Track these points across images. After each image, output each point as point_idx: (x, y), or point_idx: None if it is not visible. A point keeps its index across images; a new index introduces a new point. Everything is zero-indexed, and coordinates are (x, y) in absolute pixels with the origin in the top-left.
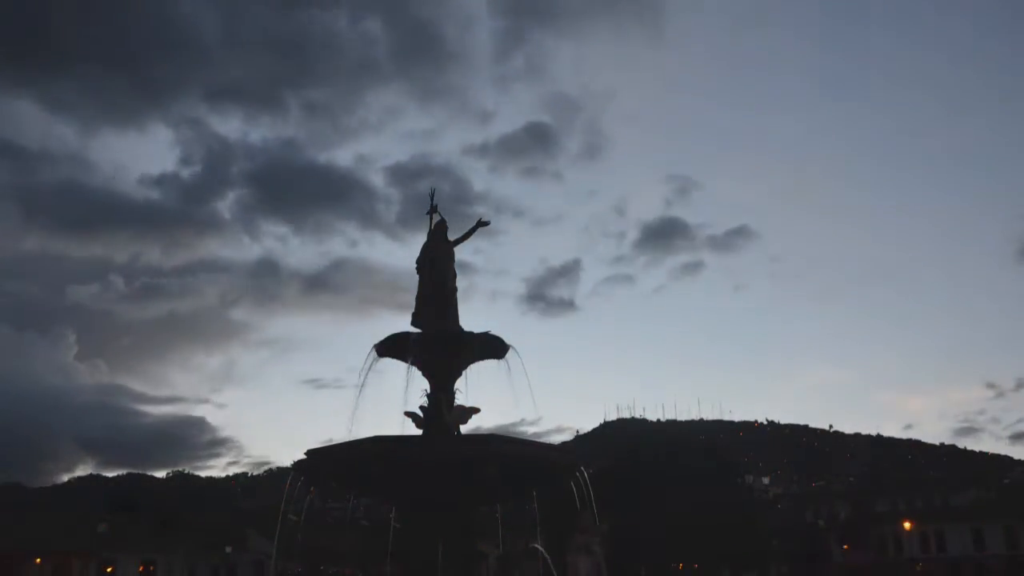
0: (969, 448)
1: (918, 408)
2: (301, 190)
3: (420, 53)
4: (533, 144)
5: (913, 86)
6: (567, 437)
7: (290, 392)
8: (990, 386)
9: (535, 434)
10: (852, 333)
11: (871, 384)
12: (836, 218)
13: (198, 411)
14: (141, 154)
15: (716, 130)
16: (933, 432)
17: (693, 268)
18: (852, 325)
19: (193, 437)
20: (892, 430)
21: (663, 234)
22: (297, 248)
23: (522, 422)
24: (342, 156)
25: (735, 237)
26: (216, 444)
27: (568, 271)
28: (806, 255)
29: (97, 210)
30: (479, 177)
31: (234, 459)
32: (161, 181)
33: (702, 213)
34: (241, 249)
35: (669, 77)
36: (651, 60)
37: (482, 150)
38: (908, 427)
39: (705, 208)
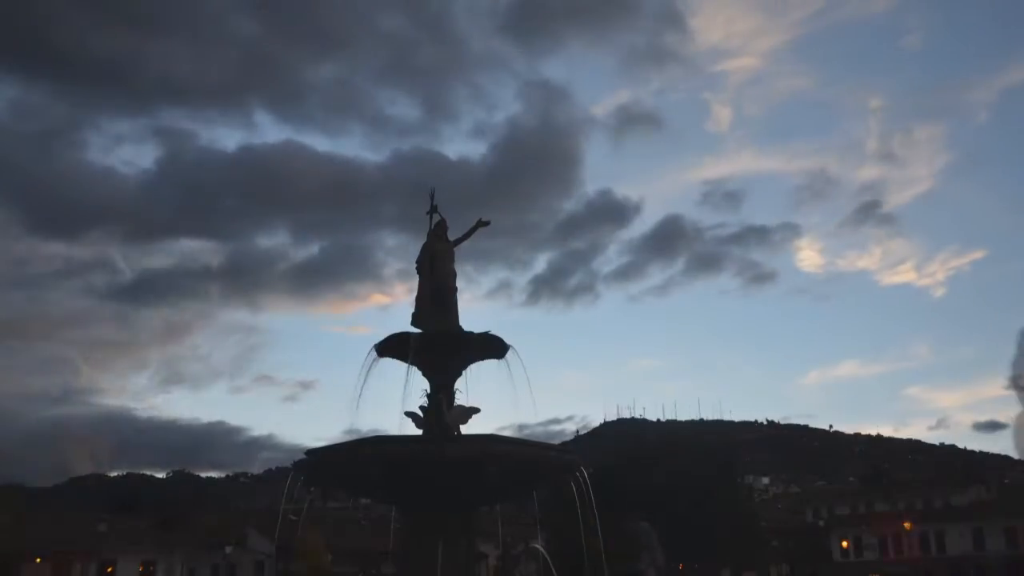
0: (970, 448)
1: (937, 407)
2: (290, 186)
3: (427, 40)
4: (538, 140)
5: (929, 79)
6: (567, 437)
7: (289, 388)
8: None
9: (557, 434)
10: (865, 332)
11: (888, 383)
12: (843, 219)
13: (215, 412)
14: (129, 150)
15: (723, 127)
16: (957, 431)
17: (698, 268)
18: (868, 324)
19: (224, 438)
20: (918, 429)
21: (669, 234)
22: (284, 243)
23: (546, 422)
24: (329, 151)
25: (742, 238)
26: (250, 444)
27: (570, 270)
28: (815, 254)
29: (81, 209)
30: (481, 174)
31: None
32: (149, 178)
33: (711, 213)
34: (230, 246)
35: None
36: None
37: (487, 147)
38: (933, 427)
39: (716, 208)
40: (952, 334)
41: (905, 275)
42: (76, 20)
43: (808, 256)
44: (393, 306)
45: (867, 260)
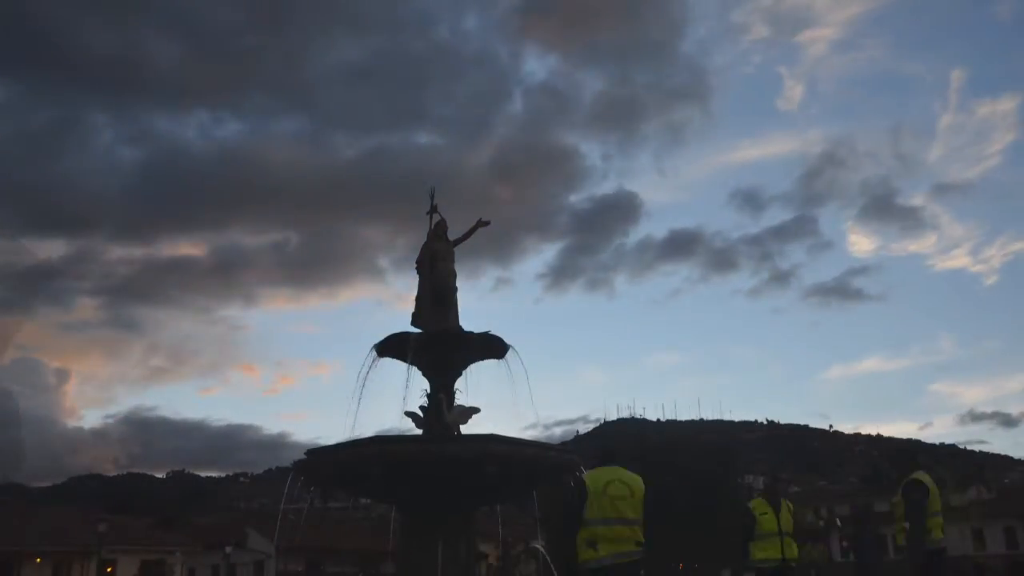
0: (970, 448)
1: (959, 403)
2: (281, 181)
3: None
4: (542, 134)
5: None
6: (567, 437)
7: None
8: None
9: (571, 433)
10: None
11: (911, 379)
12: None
13: (217, 412)
14: (115, 148)
15: (731, 131)
16: (976, 427)
17: (713, 267)
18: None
19: (231, 438)
20: (943, 426)
21: (678, 241)
22: (274, 238)
23: (566, 421)
24: (320, 146)
25: (760, 237)
26: (270, 442)
27: (574, 268)
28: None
29: (72, 207)
30: (485, 168)
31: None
32: (137, 176)
33: (726, 211)
34: (219, 242)
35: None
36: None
37: (491, 140)
38: (955, 426)
39: (732, 206)
40: (978, 327)
41: (959, 260)
42: (64, 19)
43: (843, 247)
44: (386, 300)
45: (918, 246)
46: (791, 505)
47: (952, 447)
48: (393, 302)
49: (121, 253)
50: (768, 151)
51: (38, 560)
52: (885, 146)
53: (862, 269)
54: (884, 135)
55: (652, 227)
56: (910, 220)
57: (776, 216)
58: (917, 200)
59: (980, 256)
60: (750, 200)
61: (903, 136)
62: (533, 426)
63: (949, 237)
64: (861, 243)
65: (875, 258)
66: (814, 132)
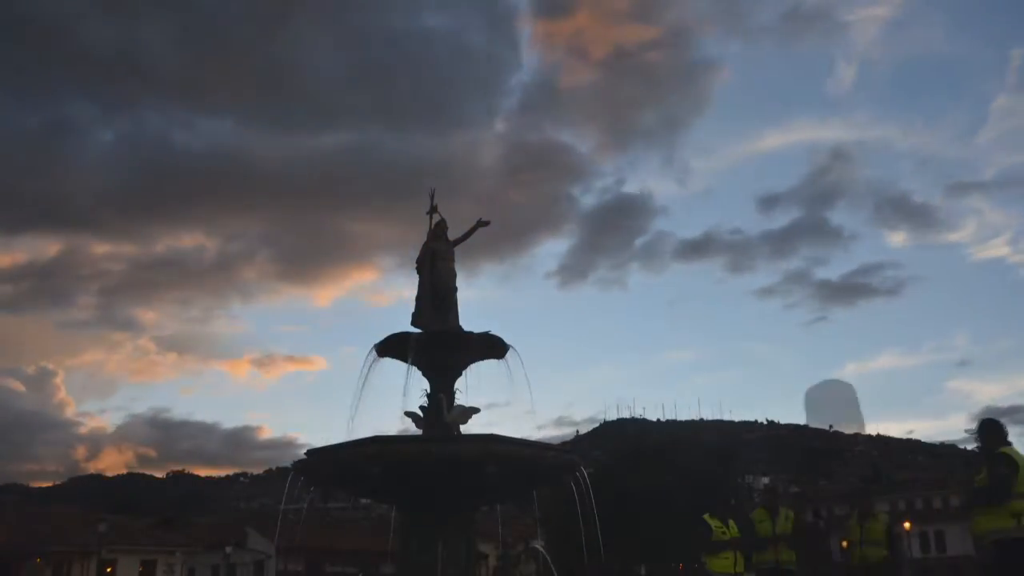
0: (970, 448)
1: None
2: (278, 177)
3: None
4: (550, 137)
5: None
6: (567, 437)
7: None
8: None
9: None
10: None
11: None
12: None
13: (221, 412)
14: (102, 145)
15: (743, 126)
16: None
17: (719, 273)
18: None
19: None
20: (959, 423)
21: (688, 239)
22: (266, 233)
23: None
24: (316, 143)
25: (759, 244)
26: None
27: (575, 267)
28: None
29: (63, 205)
30: (487, 180)
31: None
32: (124, 172)
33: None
34: (209, 238)
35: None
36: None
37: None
38: (970, 423)
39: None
40: (1002, 321)
41: (997, 251)
42: (57, 17)
43: (865, 243)
44: (383, 298)
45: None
46: (790, 513)
47: (952, 447)
48: (390, 300)
49: (116, 251)
50: (783, 144)
51: (38, 560)
52: (901, 140)
53: (878, 265)
54: (898, 129)
55: (662, 225)
56: (933, 215)
57: (790, 213)
58: (937, 196)
59: (1020, 246)
60: (765, 197)
61: (917, 130)
62: (542, 427)
63: (989, 226)
64: (891, 237)
65: (896, 253)
66: (831, 126)
